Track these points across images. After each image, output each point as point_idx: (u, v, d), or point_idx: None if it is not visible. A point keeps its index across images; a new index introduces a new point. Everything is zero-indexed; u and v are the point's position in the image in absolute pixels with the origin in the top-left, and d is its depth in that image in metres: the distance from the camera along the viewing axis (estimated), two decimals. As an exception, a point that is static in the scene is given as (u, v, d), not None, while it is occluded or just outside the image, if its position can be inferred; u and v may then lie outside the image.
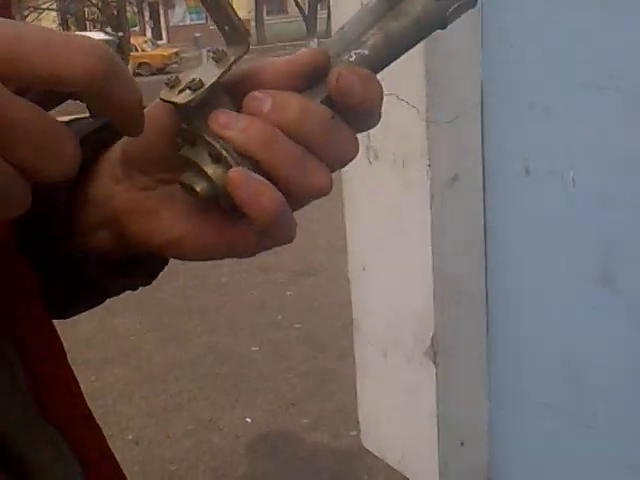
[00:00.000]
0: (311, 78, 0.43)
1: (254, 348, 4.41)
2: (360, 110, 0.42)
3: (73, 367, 0.49)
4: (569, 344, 1.09)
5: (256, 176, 0.40)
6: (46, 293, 0.48)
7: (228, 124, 0.40)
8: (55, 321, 0.49)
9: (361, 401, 1.42)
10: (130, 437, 3.59)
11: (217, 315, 4.89)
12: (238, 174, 0.40)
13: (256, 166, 0.40)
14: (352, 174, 1.35)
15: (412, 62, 1.14)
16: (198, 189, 0.41)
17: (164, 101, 0.41)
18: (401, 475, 1.33)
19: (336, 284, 4.74)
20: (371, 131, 1.34)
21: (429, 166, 1.14)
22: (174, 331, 4.70)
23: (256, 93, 0.41)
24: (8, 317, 0.43)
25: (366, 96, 0.41)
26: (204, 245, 0.45)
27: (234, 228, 0.44)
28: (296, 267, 5.60)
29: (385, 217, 1.27)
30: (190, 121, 0.41)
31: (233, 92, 0.42)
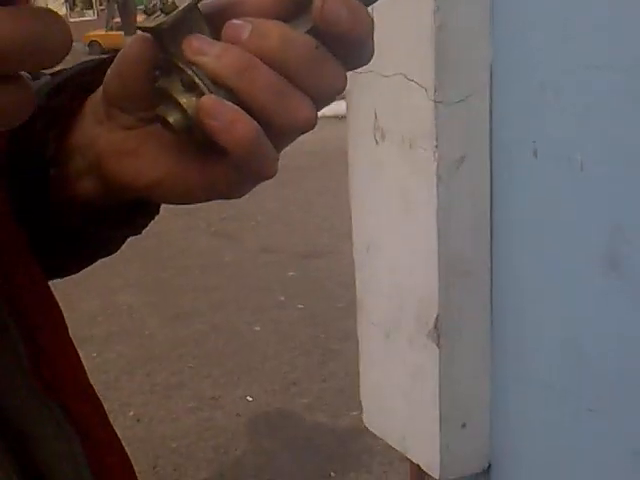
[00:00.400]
0: (297, 6, 0.40)
1: (256, 328, 4.42)
2: (347, 40, 0.39)
3: (76, 343, 0.48)
4: (574, 327, 1.09)
5: (230, 104, 0.38)
6: (39, 254, 0.47)
7: (202, 49, 0.38)
8: (58, 296, 0.48)
9: (363, 381, 1.42)
10: (131, 414, 3.61)
11: (220, 294, 4.90)
12: (210, 102, 0.38)
13: (231, 95, 0.38)
14: (358, 154, 1.34)
15: (421, 42, 1.13)
16: (171, 120, 0.39)
17: (140, 29, 0.40)
18: (401, 455, 1.34)
19: (339, 266, 4.75)
20: (379, 111, 1.32)
21: (436, 147, 1.13)
22: (177, 310, 4.71)
23: (235, 20, 0.39)
24: (8, 285, 0.43)
25: (353, 25, 0.39)
26: (186, 185, 0.44)
27: (214, 166, 0.43)
28: (300, 249, 5.60)
29: (391, 198, 1.26)
30: (166, 49, 0.40)
31: (215, 22, 0.40)
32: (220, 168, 0.42)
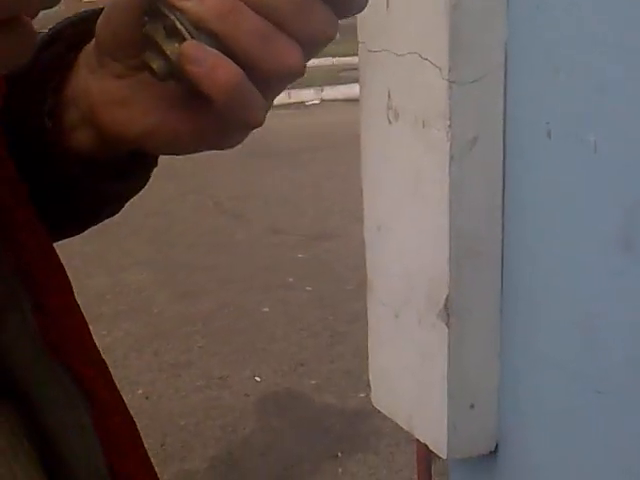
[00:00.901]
0: None
1: (265, 309, 4.43)
2: None
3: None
4: (585, 308, 1.09)
5: (211, 50, 0.38)
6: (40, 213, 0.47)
7: None
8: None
9: (372, 360, 1.43)
10: (140, 391, 3.62)
11: (229, 274, 4.90)
12: (191, 47, 0.37)
13: (215, 41, 0.38)
14: (371, 133, 1.34)
15: (436, 21, 1.12)
16: (155, 67, 0.39)
17: None
18: (408, 436, 1.34)
19: (348, 248, 4.74)
20: (392, 90, 1.31)
21: (450, 127, 1.13)
22: (185, 288, 4.71)
23: None
24: (13, 243, 0.42)
25: None
26: (176, 135, 0.44)
27: (204, 115, 0.42)
28: (309, 231, 5.59)
29: (403, 177, 1.26)
30: None
31: None
32: (209, 117, 0.42)
